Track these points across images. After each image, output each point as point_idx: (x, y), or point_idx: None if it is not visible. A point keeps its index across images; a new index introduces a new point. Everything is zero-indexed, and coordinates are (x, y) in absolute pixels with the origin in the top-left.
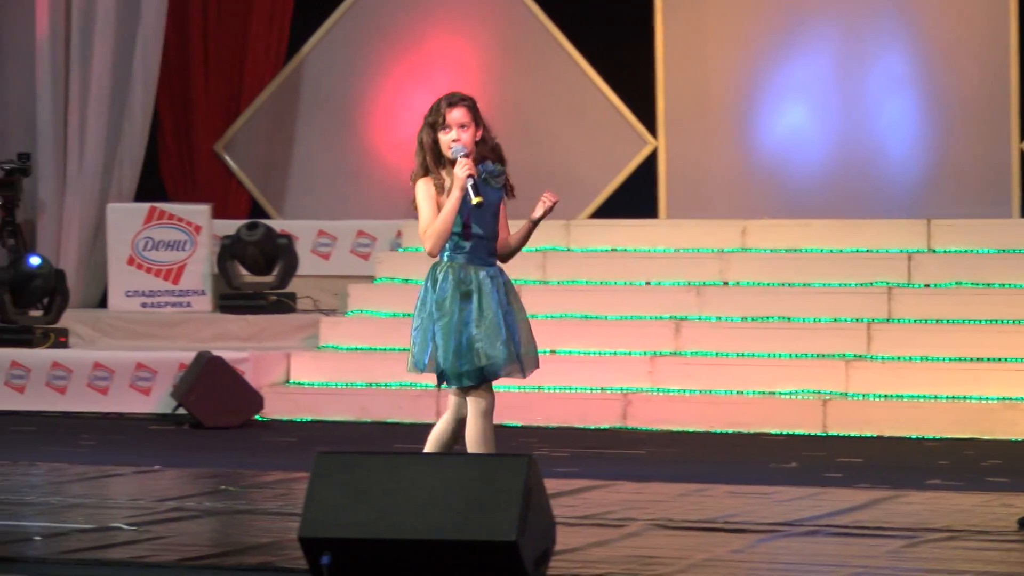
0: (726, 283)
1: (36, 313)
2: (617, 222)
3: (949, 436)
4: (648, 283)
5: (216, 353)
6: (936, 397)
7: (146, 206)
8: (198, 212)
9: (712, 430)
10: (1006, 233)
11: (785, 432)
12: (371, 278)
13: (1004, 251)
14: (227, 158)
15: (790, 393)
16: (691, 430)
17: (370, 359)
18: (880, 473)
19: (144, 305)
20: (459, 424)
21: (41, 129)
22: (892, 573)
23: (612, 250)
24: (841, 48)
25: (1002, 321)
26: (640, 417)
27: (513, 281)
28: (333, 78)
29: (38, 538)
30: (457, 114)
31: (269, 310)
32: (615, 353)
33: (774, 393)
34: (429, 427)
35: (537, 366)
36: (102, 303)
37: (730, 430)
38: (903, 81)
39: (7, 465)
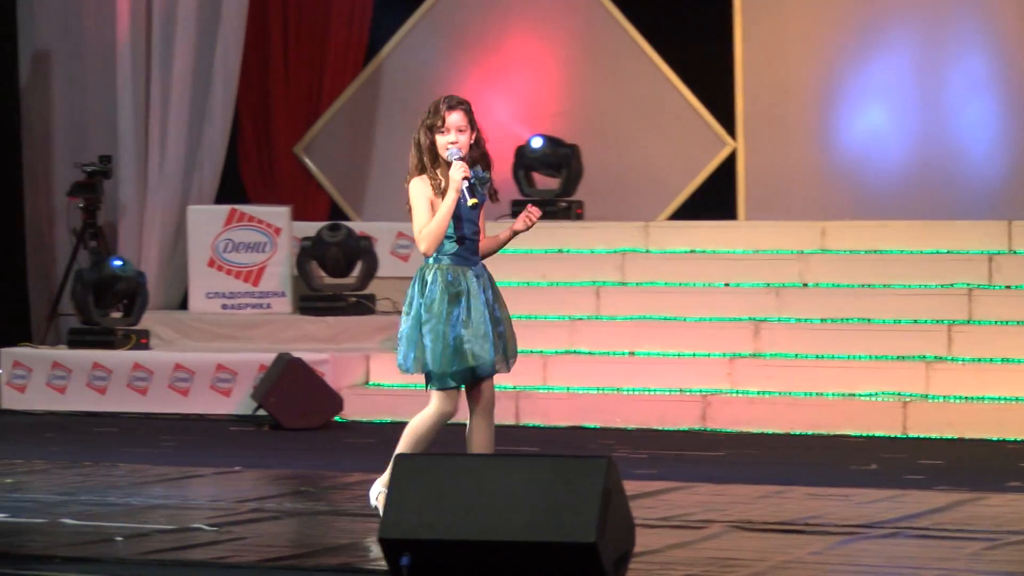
0: (805, 284)
1: (117, 315)
2: (696, 223)
3: None
4: (727, 284)
5: (296, 355)
6: (1017, 399)
7: (226, 208)
8: (278, 214)
9: (792, 432)
10: None
11: (865, 434)
12: None
13: None
14: (306, 160)
15: (870, 395)
16: (770, 432)
17: None
18: (961, 475)
19: (224, 307)
20: (438, 421)
21: (122, 131)
22: None
23: (691, 251)
24: (920, 48)
25: None
26: (719, 419)
27: (590, 283)
28: (412, 80)
29: (120, 539)
30: (456, 117)
31: (349, 312)
32: (694, 355)
33: (854, 395)
34: (507, 428)
35: (515, 358)
36: (183, 305)
37: (810, 432)
38: (983, 81)
39: (89, 466)
